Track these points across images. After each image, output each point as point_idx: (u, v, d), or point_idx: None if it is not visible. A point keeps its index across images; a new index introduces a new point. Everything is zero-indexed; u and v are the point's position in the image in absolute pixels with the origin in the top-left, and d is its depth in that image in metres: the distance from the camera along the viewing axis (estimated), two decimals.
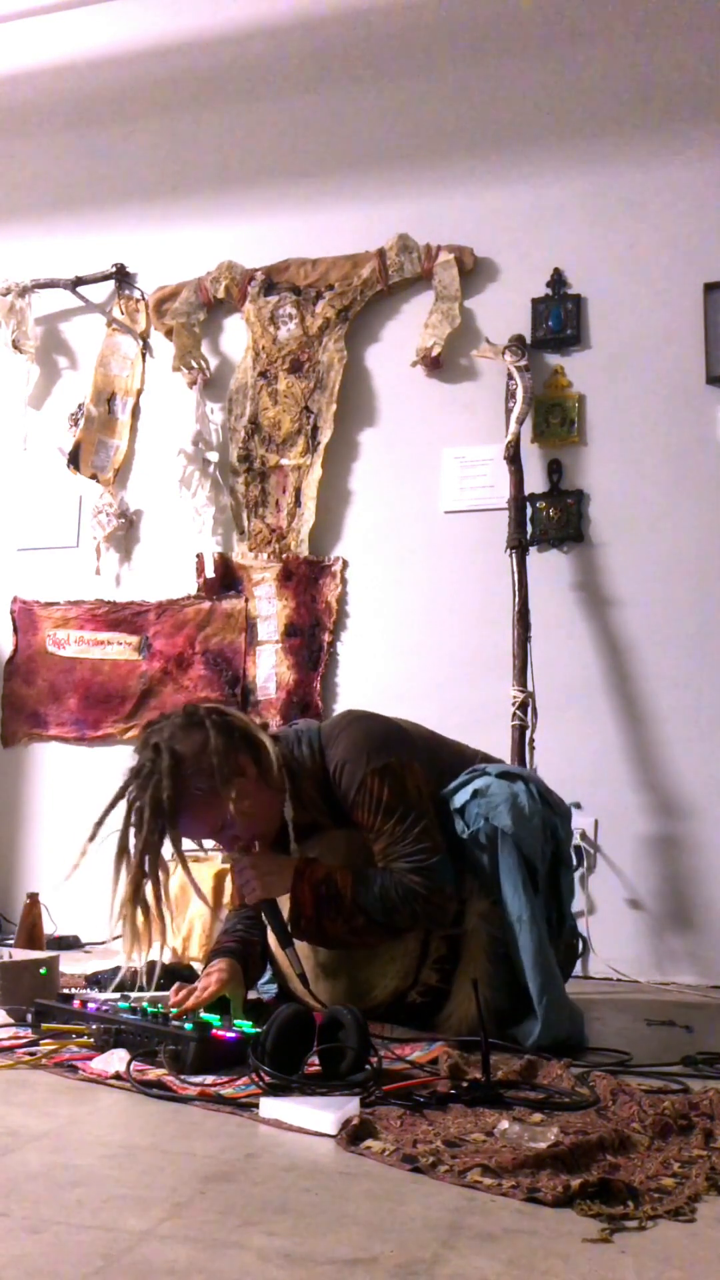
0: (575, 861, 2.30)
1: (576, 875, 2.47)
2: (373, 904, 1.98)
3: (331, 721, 2.20)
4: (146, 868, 1.95)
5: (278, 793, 2.09)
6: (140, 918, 1.94)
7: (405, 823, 2.02)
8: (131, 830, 1.97)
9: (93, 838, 2.03)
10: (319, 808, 2.12)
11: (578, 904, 2.25)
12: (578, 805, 2.99)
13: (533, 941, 2.02)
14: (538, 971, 2.02)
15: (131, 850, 1.96)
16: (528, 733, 3.08)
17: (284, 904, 2.03)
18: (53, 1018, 1.96)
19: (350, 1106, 1.49)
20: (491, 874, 2.05)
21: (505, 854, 2.05)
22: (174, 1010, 1.90)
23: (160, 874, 1.96)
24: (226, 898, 2.93)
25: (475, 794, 2.11)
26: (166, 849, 1.98)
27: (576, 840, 3.02)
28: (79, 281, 3.99)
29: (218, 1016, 1.90)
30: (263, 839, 2.10)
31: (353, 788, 2.05)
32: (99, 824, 2.03)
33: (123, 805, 2.02)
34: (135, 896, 1.94)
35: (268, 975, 2.30)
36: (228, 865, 2.92)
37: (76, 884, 3.59)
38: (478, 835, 2.06)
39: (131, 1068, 1.70)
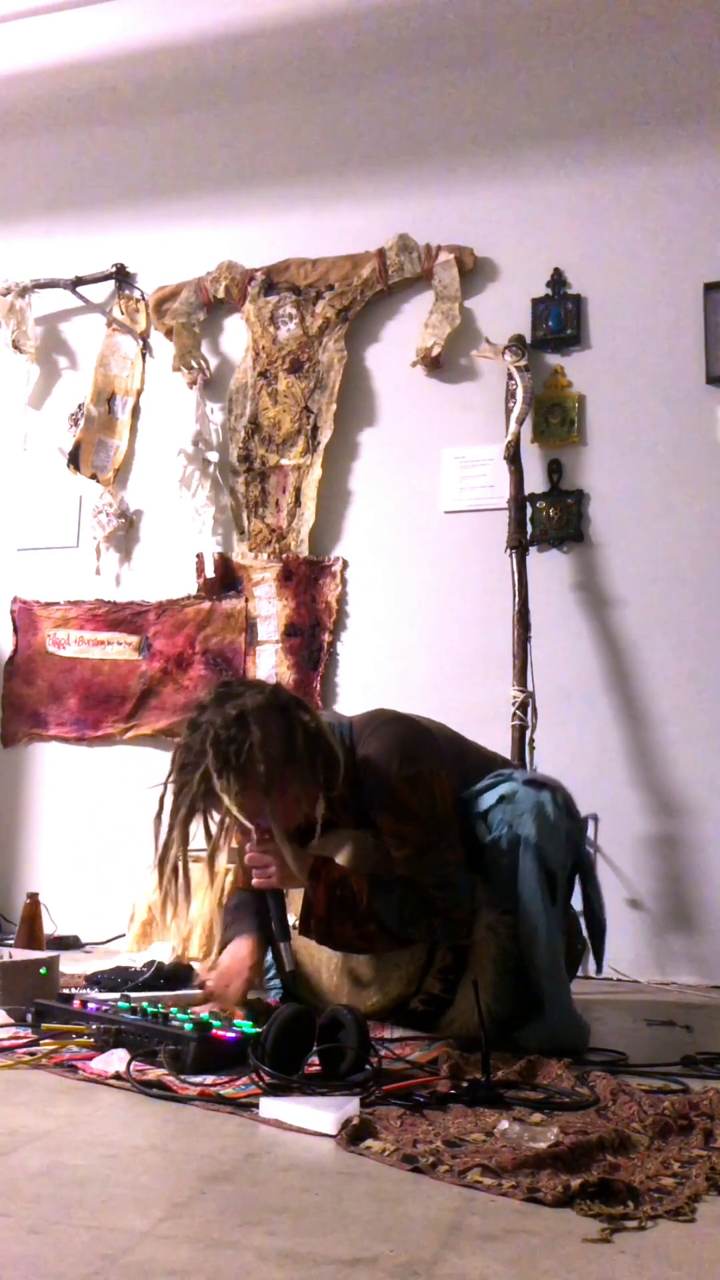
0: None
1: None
2: (388, 913, 1.95)
3: (362, 719, 2.15)
4: (187, 826, 1.92)
5: (319, 792, 2.04)
6: (181, 874, 1.92)
7: (431, 835, 2.00)
8: (198, 791, 1.91)
9: (169, 781, 1.97)
10: (343, 804, 2.09)
11: (576, 903, 2.24)
12: (595, 817, 2.98)
13: (547, 952, 2.02)
14: (549, 983, 2.01)
15: (192, 809, 1.92)
16: (528, 733, 3.08)
17: (292, 898, 2.02)
18: (53, 1018, 1.96)
19: (350, 1106, 1.49)
20: (509, 882, 2.04)
21: (526, 863, 2.03)
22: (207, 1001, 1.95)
23: (188, 835, 1.93)
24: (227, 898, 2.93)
25: (501, 799, 2.09)
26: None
27: None
28: (79, 281, 3.99)
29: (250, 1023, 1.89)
30: (285, 831, 2.07)
31: (381, 792, 2.02)
32: (174, 778, 1.97)
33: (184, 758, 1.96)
34: (176, 860, 1.92)
35: (272, 971, 2.30)
36: (229, 865, 2.92)
37: (76, 884, 3.60)
38: (499, 842, 2.04)
39: (131, 1068, 1.70)
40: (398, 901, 1.96)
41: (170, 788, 1.95)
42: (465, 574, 3.40)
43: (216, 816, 1.98)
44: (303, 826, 2.05)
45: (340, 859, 2.05)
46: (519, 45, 3.57)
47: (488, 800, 2.10)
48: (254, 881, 2.05)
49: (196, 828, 1.96)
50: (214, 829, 1.99)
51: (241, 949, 2.09)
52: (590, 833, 3.10)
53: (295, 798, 1.99)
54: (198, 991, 2.36)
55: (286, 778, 1.95)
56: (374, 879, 1.98)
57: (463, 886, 2.00)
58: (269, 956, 2.23)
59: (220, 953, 2.21)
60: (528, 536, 3.28)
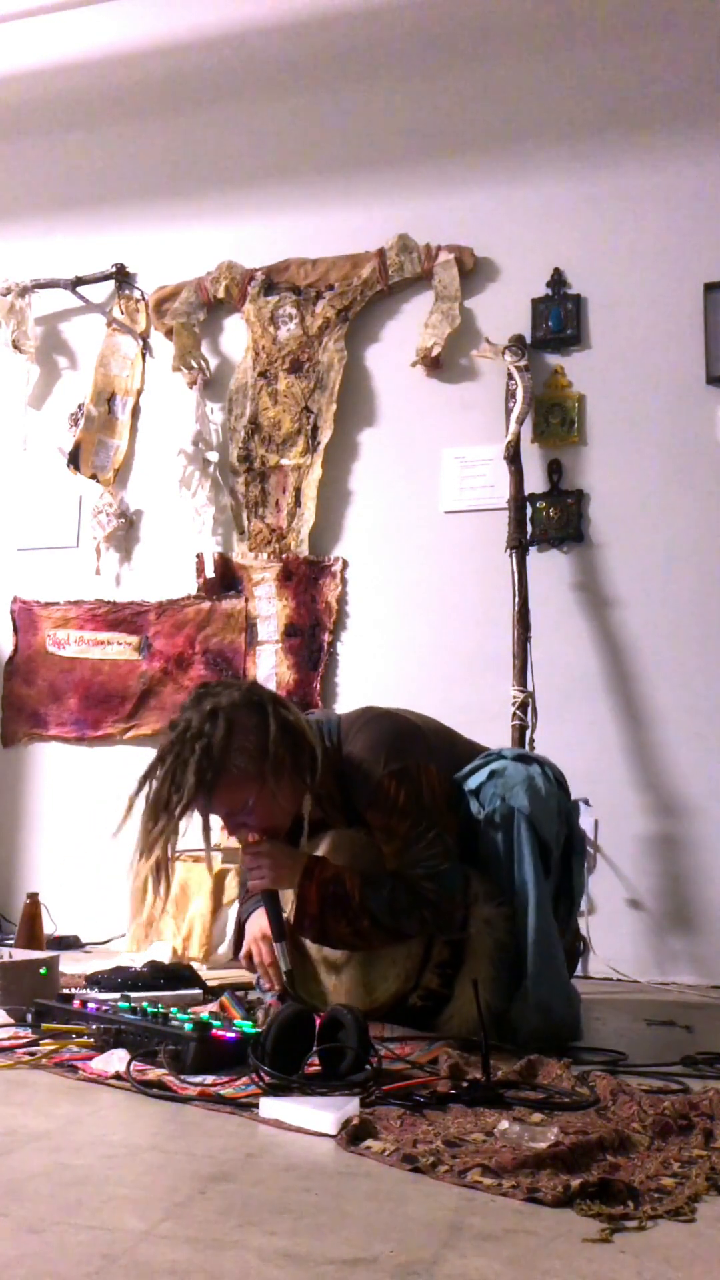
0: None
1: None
2: (380, 908, 1.96)
3: (350, 717, 2.16)
4: (168, 828, 1.92)
5: (303, 789, 2.06)
6: (157, 878, 1.92)
7: (419, 828, 2.00)
8: (168, 786, 1.92)
9: (139, 792, 1.97)
10: (333, 802, 2.10)
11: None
12: (586, 801, 2.98)
13: (538, 922, 2.03)
14: (538, 952, 2.02)
15: (163, 805, 1.91)
16: (528, 733, 3.08)
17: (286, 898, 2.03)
18: (53, 1018, 1.96)
19: (350, 1106, 1.49)
20: (505, 855, 2.05)
21: (520, 835, 2.05)
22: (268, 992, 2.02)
23: (174, 837, 1.93)
24: (227, 897, 2.93)
25: (492, 775, 2.11)
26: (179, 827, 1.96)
27: None
28: (79, 281, 3.99)
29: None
30: (273, 831, 2.08)
31: (368, 788, 2.03)
32: (146, 778, 1.98)
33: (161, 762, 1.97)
34: (152, 857, 1.91)
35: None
36: (227, 865, 2.92)
37: (76, 884, 3.60)
38: (493, 815, 2.06)
39: (131, 1068, 1.70)
40: (389, 896, 1.97)
41: (148, 786, 1.95)
42: (465, 574, 3.40)
43: (194, 815, 1.98)
44: (292, 826, 2.06)
45: (332, 857, 2.06)
46: (519, 45, 3.57)
47: (478, 778, 2.13)
48: (249, 884, 2.05)
49: (184, 826, 1.97)
50: (186, 826, 1.99)
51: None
52: (588, 829, 3.11)
53: (272, 793, 1.98)
54: (198, 991, 2.36)
55: (263, 773, 1.96)
56: (366, 875, 1.99)
57: (452, 877, 2.01)
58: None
59: (243, 919, 2.21)
60: (528, 536, 3.28)
